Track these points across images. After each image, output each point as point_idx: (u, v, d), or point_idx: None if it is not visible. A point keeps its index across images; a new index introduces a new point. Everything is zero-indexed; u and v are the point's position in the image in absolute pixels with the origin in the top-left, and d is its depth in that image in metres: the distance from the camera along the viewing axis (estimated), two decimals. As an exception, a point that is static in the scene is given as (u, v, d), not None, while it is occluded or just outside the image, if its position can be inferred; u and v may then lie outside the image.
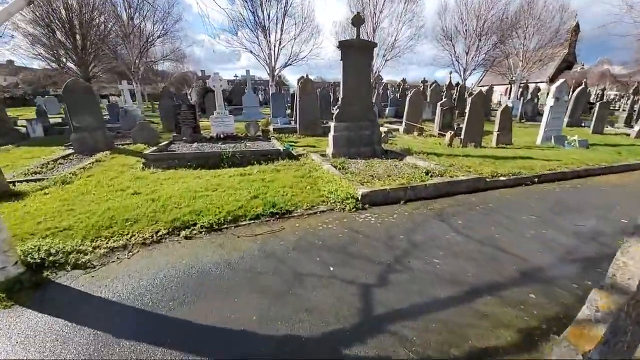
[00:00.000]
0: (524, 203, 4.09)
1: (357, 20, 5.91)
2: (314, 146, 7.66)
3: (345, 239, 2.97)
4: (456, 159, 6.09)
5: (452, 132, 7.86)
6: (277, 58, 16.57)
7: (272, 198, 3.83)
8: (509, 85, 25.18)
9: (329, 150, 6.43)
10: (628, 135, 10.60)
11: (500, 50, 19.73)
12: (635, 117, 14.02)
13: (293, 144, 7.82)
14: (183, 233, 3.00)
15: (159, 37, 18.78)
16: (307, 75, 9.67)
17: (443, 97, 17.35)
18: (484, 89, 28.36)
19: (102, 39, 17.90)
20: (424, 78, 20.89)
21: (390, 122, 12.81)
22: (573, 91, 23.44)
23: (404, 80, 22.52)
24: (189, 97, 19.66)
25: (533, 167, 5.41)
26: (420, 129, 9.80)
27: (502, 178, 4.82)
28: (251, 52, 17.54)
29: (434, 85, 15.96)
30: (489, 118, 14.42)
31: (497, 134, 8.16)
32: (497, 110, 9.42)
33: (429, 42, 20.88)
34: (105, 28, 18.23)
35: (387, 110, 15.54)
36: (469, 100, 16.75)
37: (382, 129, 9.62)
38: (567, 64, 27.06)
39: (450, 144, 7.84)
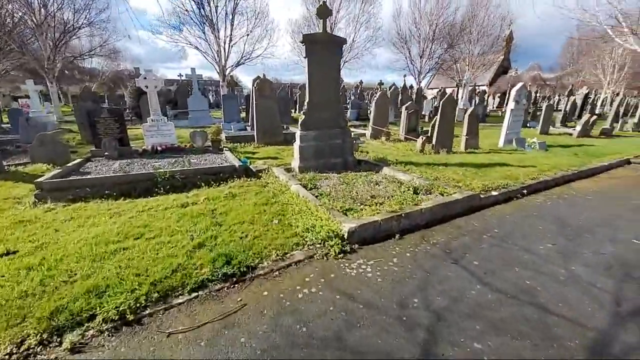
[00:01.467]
0: (529, 225, 3.55)
1: (323, 11, 4.99)
2: (275, 157, 6.57)
3: (339, 318, 2.00)
4: (437, 169, 5.52)
5: (424, 138, 7.40)
6: (227, 56, 14.98)
7: (226, 246, 2.70)
8: (456, 88, 26.72)
9: (295, 163, 5.42)
10: (571, 134, 11.39)
11: (450, 55, 20.61)
12: (568, 116, 15.48)
13: (251, 155, 6.64)
14: (69, 339, 1.75)
15: (79, 28, 15.80)
16: (264, 75, 8.51)
17: (399, 100, 17.43)
18: (434, 91, 29.78)
19: (8, 32, 14.41)
20: (381, 80, 20.91)
21: (354, 126, 12.19)
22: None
23: (361, 82, 22.35)
24: (126, 99, 17.00)
25: (517, 177, 5.03)
26: (387, 134, 9.28)
27: (494, 193, 4.30)
28: (197, 48, 15.69)
29: (392, 88, 15.85)
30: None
31: (466, 138, 7.93)
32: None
33: (385, 45, 20.95)
34: (12, 19, 14.72)
35: (348, 113, 14.97)
36: (425, 103, 16.93)
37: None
38: (504, 69, 29.67)
39: (422, 150, 7.38)
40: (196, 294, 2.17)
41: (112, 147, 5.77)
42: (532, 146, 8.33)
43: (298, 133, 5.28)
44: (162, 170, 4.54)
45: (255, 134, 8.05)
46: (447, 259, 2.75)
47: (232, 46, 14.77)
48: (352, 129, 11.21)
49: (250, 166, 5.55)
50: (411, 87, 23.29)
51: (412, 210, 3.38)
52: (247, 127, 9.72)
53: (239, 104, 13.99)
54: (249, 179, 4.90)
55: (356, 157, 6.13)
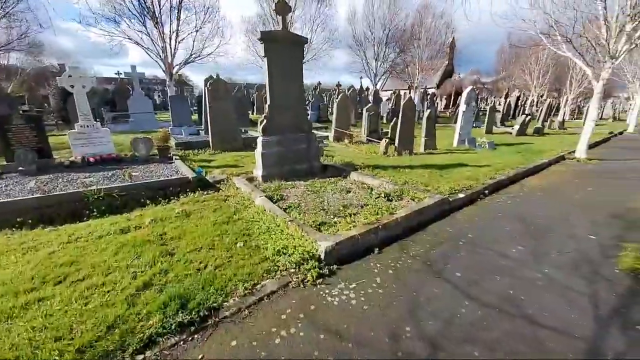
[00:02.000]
0: (497, 226, 3.61)
1: (282, 8, 4.64)
2: (235, 165, 6.03)
3: (327, 364, 1.69)
4: (403, 172, 5.52)
5: (387, 140, 7.44)
6: (174, 53, 13.69)
7: (180, 283, 2.22)
8: (409, 90, 28.16)
9: (258, 171, 4.98)
10: (510, 133, 12.54)
11: (402, 59, 21.57)
12: (505, 116, 17.15)
13: (207, 164, 6.00)
14: None
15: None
16: (217, 75, 7.83)
17: (357, 102, 17.71)
18: (388, 93, 30.98)
19: None
20: (338, 82, 21.08)
21: (316, 128, 11.98)
22: (456, 96, 27.78)
23: (319, 84, 22.30)
24: (50, 101, 14.59)
25: (477, 177, 5.22)
26: (350, 136, 9.23)
27: (460, 195, 4.35)
28: (138, 43, 14.09)
29: (351, 89, 16.01)
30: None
31: (425, 140, 8.19)
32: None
33: (342, 47, 21.16)
34: None
35: (309, 115, 14.74)
36: (382, 104, 17.38)
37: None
38: (448, 73, 32.10)
39: (386, 151, 7.41)
40: (142, 356, 1.68)
41: (29, 160, 4.73)
42: (483, 145, 8.92)
43: (260, 139, 4.85)
44: (95, 187, 3.78)
45: (210, 139, 7.35)
46: (430, 273, 2.60)
47: (179, 42, 13.54)
48: (314, 132, 10.99)
49: (207, 177, 4.97)
50: (367, 88, 23.95)
51: (389, 221, 3.21)
52: (201, 132, 8.90)
53: (190, 105, 12.91)
54: (205, 193, 4.34)
55: (322, 161, 5.89)
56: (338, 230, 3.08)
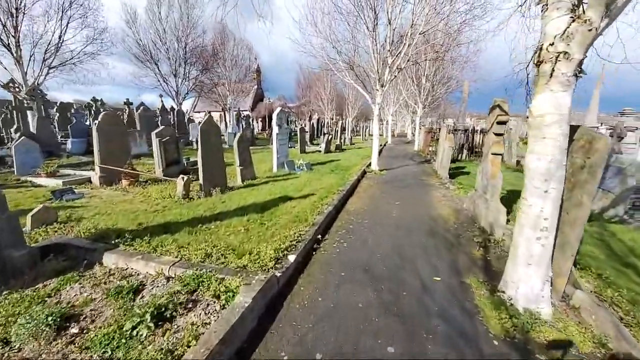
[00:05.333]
0: (349, 307, 2.40)
1: None
2: None
3: None
4: (208, 231, 3.57)
5: (187, 178, 5.24)
6: None
7: None
8: (223, 112, 26.66)
9: None
10: (320, 151, 13.56)
11: (208, 78, 19.69)
12: (312, 136, 19.12)
13: None
14: None
15: None
16: None
17: (159, 124, 14.13)
18: (201, 114, 28.18)
19: None
20: (128, 99, 16.29)
21: (77, 165, 7.78)
22: (270, 119, 29.24)
23: (95, 100, 16.39)
24: None
25: (306, 215, 4.12)
26: (132, 175, 6.21)
27: (291, 258, 2.94)
28: None
29: (141, 108, 12.32)
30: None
31: (241, 169, 6.66)
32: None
33: (123, 55, 16.36)
34: None
35: (69, 145, 9.77)
36: (192, 127, 14.72)
37: (43, 190, 4.69)
38: (260, 97, 33.52)
39: (186, 194, 5.18)
40: None
41: None
42: (301, 167, 8.54)
43: None
44: None
45: None
46: None
47: None
48: (67, 172, 7.01)
49: None
50: (172, 109, 20.25)
51: None
52: None
53: None
54: None
55: (39, 242, 2.94)
56: None
